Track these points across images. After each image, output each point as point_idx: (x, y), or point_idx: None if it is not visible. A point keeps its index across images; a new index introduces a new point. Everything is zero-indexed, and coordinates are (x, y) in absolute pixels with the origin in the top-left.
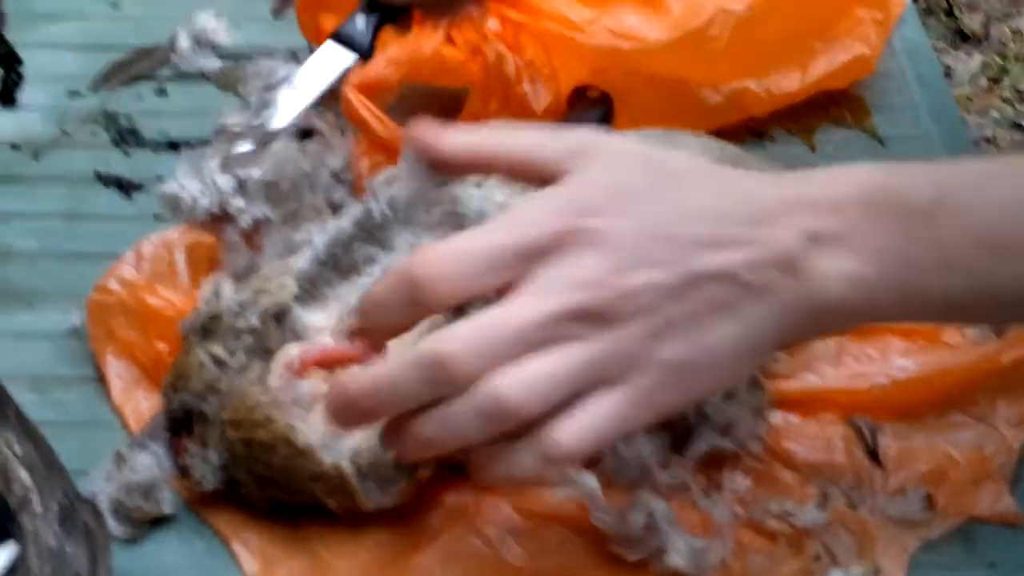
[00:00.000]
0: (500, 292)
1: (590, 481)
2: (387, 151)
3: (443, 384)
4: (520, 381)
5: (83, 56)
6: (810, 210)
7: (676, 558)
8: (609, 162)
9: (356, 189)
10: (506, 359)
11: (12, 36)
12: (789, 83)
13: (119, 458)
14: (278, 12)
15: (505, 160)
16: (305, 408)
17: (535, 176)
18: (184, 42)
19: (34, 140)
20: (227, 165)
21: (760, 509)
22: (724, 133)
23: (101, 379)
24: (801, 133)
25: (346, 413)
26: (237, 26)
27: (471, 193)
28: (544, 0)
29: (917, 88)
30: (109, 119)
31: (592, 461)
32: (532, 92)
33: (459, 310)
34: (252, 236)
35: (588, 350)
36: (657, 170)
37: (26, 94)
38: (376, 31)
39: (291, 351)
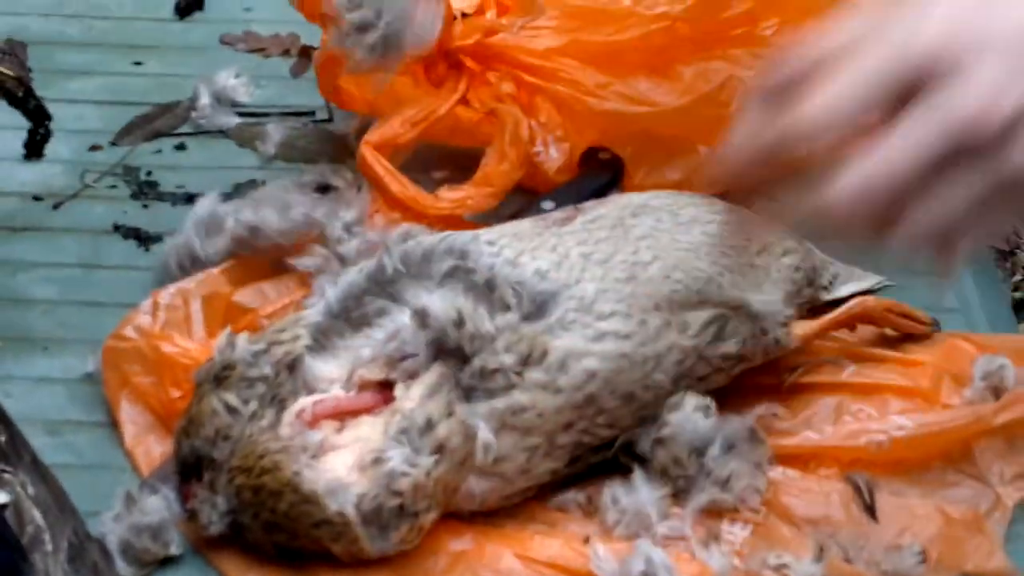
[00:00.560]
0: None
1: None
2: (401, 208)
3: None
4: None
5: (105, 111)
6: None
7: None
8: None
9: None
10: None
11: (36, 91)
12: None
13: (129, 500)
14: (297, 72)
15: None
16: (315, 456)
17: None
18: (204, 99)
19: (55, 191)
20: None
21: (757, 560)
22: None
23: (114, 424)
24: None
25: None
26: (256, 84)
27: (482, 249)
28: (559, 65)
29: None
30: (129, 172)
31: (591, 511)
32: (545, 153)
33: (464, 359)
34: None
35: None
36: None
37: (49, 147)
38: None
39: (303, 402)
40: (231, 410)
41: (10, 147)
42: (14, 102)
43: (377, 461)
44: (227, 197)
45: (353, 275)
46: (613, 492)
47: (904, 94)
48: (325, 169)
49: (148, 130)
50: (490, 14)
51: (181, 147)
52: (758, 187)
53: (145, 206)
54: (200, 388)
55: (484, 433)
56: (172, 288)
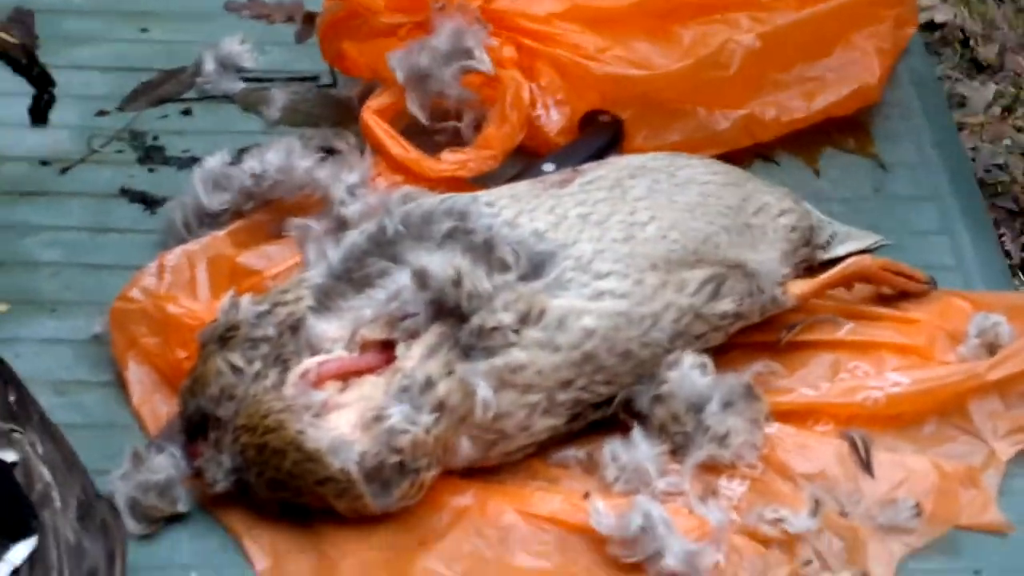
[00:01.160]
0: None
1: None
2: (403, 170)
3: None
4: None
5: (112, 77)
6: None
7: (671, 560)
8: None
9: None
10: None
11: (44, 58)
12: (795, 110)
13: (136, 458)
14: (301, 38)
15: None
16: (318, 415)
17: None
18: (210, 65)
19: (62, 156)
20: None
21: (754, 515)
22: (731, 157)
23: (121, 384)
24: (806, 158)
25: None
26: (261, 50)
27: (481, 211)
28: (559, 29)
29: (922, 117)
30: (135, 137)
31: (591, 467)
32: (546, 116)
33: (462, 318)
34: None
35: None
36: None
37: (56, 113)
38: None
39: (308, 363)
40: (236, 370)
41: (18, 113)
42: (18, 68)
43: (378, 419)
44: (232, 162)
45: (355, 237)
46: (612, 449)
47: None
48: (328, 133)
49: (154, 96)
50: None
51: (187, 112)
52: None
53: (151, 170)
54: (205, 348)
55: (483, 391)
56: (178, 250)
